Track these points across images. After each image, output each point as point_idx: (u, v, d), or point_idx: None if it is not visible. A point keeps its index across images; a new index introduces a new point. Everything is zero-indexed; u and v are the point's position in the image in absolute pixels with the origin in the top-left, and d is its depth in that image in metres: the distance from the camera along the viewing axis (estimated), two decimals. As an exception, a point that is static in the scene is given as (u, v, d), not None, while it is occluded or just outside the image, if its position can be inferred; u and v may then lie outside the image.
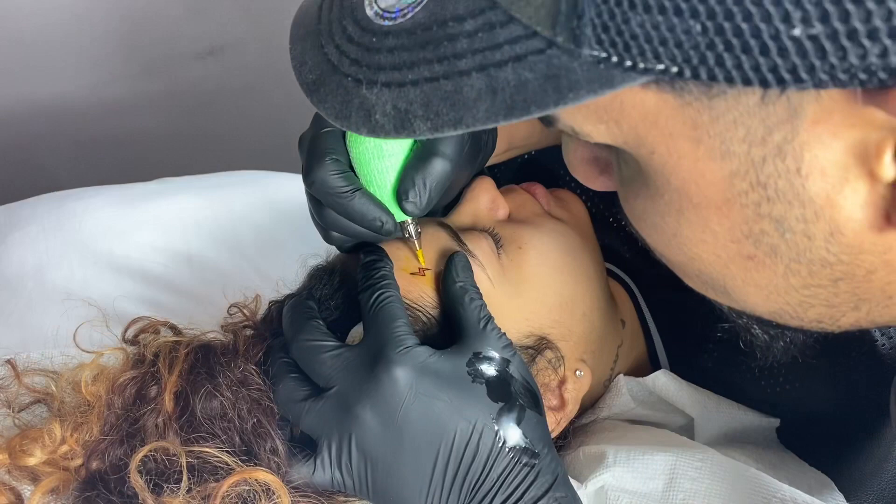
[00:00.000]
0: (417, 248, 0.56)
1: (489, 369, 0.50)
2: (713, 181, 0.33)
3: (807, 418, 0.64)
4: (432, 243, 0.57)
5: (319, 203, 0.54)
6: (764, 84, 0.28)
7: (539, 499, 0.48)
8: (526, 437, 0.49)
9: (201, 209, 0.86)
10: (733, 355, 0.65)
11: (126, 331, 0.61)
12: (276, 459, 0.51)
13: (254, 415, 0.52)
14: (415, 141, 0.53)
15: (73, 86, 1.21)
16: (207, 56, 1.23)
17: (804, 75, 0.27)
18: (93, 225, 0.83)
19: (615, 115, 0.33)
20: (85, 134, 1.25)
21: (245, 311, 0.62)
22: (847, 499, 0.58)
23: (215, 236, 0.85)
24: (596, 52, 0.29)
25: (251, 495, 0.49)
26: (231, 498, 0.49)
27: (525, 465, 0.49)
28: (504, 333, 0.52)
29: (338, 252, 0.60)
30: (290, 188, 0.89)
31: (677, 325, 0.69)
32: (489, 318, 0.52)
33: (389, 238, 0.56)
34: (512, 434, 0.49)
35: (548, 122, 0.36)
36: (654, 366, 0.69)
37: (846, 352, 0.58)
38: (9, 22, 1.12)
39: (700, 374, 0.66)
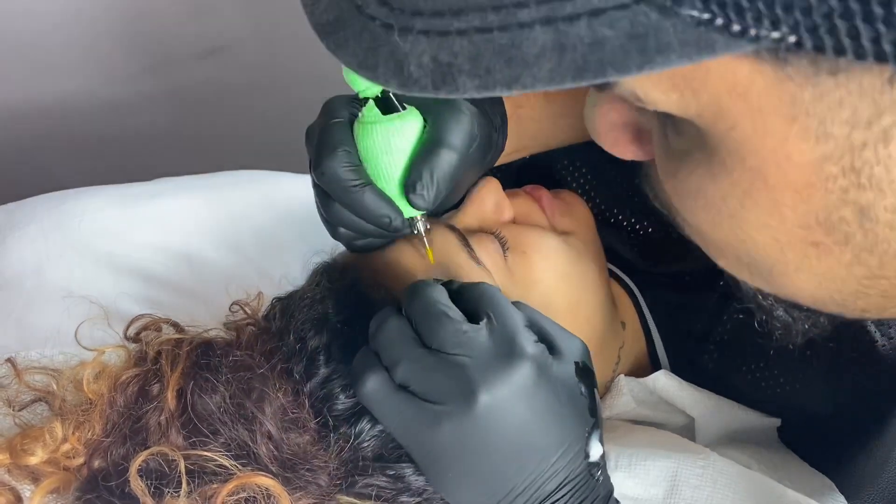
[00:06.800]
0: (426, 245, 0.55)
1: (588, 381, 0.50)
2: (800, 164, 0.29)
3: (807, 419, 0.64)
4: (440, 247, 0.57)
5: (327, 197, 0.53)
6: None
7: None
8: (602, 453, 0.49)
9: (201, 209, 0.86)
10: (734, 355, 0.65)
11: (128, 328, 0.61)
12: (279, 418, 0.51)
13: (253, 385, 0.52)
14: (422, 134, 0.53)
15: (73, 86, 1.20)
16: (207, 56, 1.23)
17: None
18: (93, 225, 0.83)
19: (696, 85, 0.29)
20: (85, 134, 1.25)
21: (247, 308, 0.62)
22: (847, 499, 0.58)
23: (215, 236, 0.85)
24: (697, 13, 0.25)
25: (251, 501, 0.49)
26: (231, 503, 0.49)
27: (593, 477, 0.49)
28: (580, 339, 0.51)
29: (343, 250, 0.59)
30: (290, 188, 0.89)
31: (677, 326, 0.69)
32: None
33: (398, 236, 0.56)
34: (595, 450, 0.49)
35: (604, 84, 0.31)
36: (655, 366, 0.69)
37: (846, 352, 0.59)
38: (9, 22, 1.12)
39: (700, 375, 0.66)
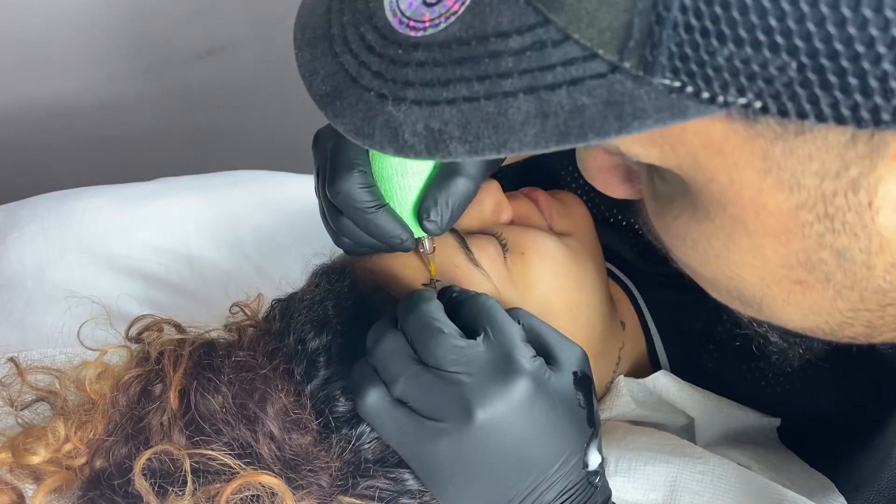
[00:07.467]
0: (431, 262, 0.56)
1: (587, 390, 0.50)
2: (776, 212, 0.31)
3: (807, 418, 0.64)
4: (438, 248, 0.57)
5: (336, 210, 0.54)
6: (859, 124, 0.26)
7: None
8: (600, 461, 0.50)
9: (201, 209, 0.86)
10: (733, 355, 0.65)
11: (130, 328, 0.61)
12: (285, 415, 0.51)
13: (255, 386, 0.52)
14: None
15: (73, 86, 1.20)
16: (207, 56, 1.23)
17: None
18: (93, 225, 0.83)
19: (673, 141, 0.30)
20: (85, 134, 1.25)
21: (247, 310, 0.62)
22: (847, 499, 0.58)
23: (215, 236, 0.85)
24: (668, 82, 0.27)
25: (255, 499, 0.49)
26: (235, 503, 0.49)
27: (591, 484, 0.49)
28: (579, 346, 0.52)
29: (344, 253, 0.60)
30: (290, 188, 0.89)
31: (677, 326, 0.69)
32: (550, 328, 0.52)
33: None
34: (594, 459, 0.49)
35: None
36: (655, 366, 0.69)
37: (846, 352, 0.59)
38: (9, 21, 1.12)
39: (700, 375, 0.66)
